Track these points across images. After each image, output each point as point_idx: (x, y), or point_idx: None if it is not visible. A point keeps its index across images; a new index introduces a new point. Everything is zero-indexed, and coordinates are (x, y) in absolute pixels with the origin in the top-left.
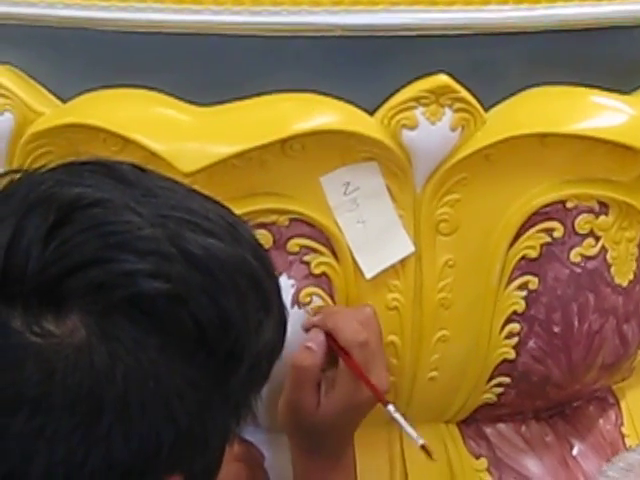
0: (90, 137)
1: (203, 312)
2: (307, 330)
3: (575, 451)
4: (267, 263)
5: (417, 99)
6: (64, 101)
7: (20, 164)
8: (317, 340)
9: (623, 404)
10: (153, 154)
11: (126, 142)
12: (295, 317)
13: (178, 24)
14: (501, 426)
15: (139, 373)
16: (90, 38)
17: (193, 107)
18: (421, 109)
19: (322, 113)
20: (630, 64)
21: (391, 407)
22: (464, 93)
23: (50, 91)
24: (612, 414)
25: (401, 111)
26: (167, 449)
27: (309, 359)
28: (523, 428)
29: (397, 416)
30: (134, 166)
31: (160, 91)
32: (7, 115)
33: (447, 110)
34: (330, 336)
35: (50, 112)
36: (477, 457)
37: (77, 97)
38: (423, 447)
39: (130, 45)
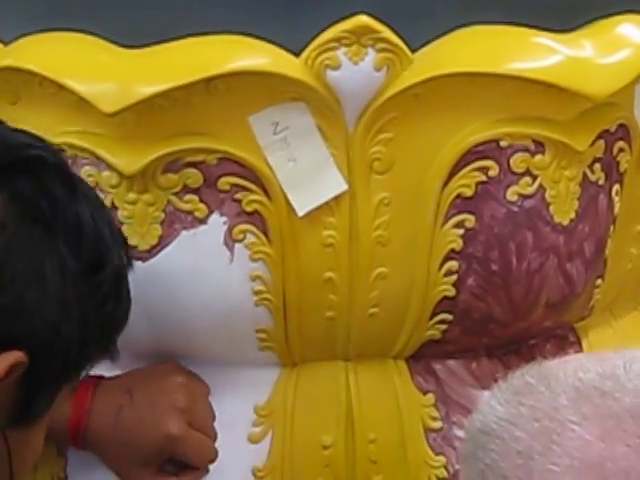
0: (28, 80)
1: None
2: None
3: None
4: None
5: (338, 40)
6: (5, 44)
7: None
8: None
9: (585, 343)
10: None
11: (59, 84)
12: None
13: None
14: (451, 362)
15: None
16: None
17: (120, 49)
18: (343, 49)
19: (247, 55)
20: (567, 2)
21: None
22: (386, 33)
23: None
24: (572, 353)
25: (324, 51)
26: None
27: None
28: (474, 365)
29: None
30: None
31: (89, 33)
32: None
33: (370, 50)
34: None
35: None
36: (424, 393)
37: (17, 40)
38: None
39: None
